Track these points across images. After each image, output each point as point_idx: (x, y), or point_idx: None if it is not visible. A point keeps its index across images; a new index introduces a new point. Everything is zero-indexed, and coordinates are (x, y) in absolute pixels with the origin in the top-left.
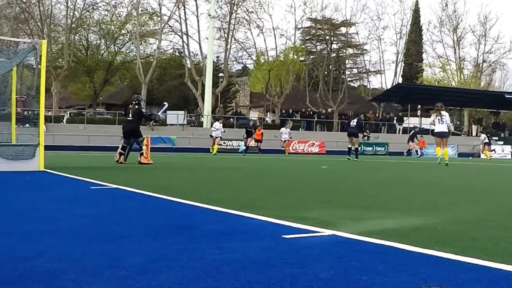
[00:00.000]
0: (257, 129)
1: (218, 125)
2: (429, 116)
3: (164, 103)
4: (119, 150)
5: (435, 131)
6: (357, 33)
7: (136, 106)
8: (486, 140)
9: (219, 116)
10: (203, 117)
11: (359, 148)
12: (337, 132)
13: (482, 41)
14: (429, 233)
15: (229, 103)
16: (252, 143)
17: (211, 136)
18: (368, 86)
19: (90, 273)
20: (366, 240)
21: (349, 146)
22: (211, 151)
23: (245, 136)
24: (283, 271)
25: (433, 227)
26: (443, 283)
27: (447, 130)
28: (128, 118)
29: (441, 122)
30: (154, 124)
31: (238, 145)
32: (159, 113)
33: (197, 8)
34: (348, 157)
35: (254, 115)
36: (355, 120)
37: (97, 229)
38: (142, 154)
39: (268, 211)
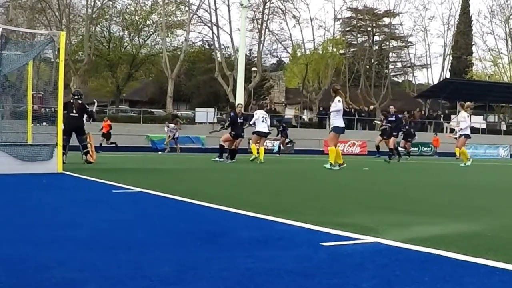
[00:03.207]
0: (103, 120)
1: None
2: (480, 114)
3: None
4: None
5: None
6: (401, 24)
7: (80, 101)
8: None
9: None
10: None
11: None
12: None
13: None
14: (479, 240)
15: (262, 100)
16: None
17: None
18: (413, 82)
19: (112, 284)
20: (411, 248)
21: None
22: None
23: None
24: (321, 282)
25: (483, 234)
26: None
27: None
28: (72, 114)
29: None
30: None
31: (273, 145)
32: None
33: None
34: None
35: (290, 112)
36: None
37: (120, 236)
38: (87, 152)
39: (304, 217)
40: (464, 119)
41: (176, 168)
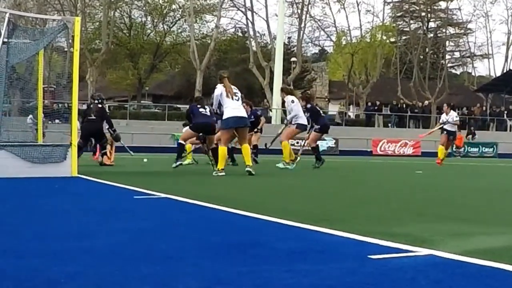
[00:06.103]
0: None
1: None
2: None
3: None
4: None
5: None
6: (459, 9)
7: (100, 105)
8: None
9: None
10: (271, 111)
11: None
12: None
13: None
14: None
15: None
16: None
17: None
18: (473, 74)
19: None
20: (470, 261)
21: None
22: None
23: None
24: None
25: None
26: None
27: None
28: (90, 118)
29: None
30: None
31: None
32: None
33: None
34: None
35: (333, 108)
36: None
37: (142, 247)
38: (105, 154)
39: (349, 226)
40: (292, 107)
41: (202, 171)
